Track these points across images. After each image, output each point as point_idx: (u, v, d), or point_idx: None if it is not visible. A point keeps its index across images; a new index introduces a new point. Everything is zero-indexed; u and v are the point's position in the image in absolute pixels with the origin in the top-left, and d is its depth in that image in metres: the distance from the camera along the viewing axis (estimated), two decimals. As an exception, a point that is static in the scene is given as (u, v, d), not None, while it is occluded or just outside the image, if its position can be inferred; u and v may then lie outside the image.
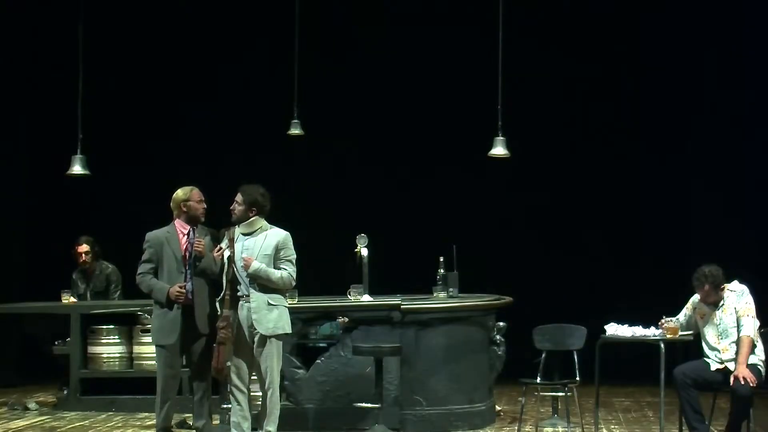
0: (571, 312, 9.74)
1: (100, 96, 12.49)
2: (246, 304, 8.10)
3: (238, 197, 8.17)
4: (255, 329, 8.07)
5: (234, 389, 8.15)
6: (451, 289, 10.05)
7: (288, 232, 8.23)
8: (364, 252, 9.90)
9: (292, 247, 8.21)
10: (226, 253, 8.13)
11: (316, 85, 12.66)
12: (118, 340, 10.88)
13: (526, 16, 12.51)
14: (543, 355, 9.29)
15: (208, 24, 13.71)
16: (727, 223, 12.67)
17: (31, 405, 10.93)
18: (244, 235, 8.14)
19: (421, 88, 13.38)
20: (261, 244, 8.10)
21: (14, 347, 12.99)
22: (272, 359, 8.10)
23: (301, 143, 12.49)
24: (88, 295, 11.43)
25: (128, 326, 10.89)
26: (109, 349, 10.85)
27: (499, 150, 11.25)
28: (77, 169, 11.77)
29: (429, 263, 10.28)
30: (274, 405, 8.14)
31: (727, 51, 12.93)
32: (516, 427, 9.47)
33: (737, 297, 8.28)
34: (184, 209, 8.50)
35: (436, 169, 13.43)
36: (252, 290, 8.09)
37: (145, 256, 8.56)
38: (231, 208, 8.18)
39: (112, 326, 10.87)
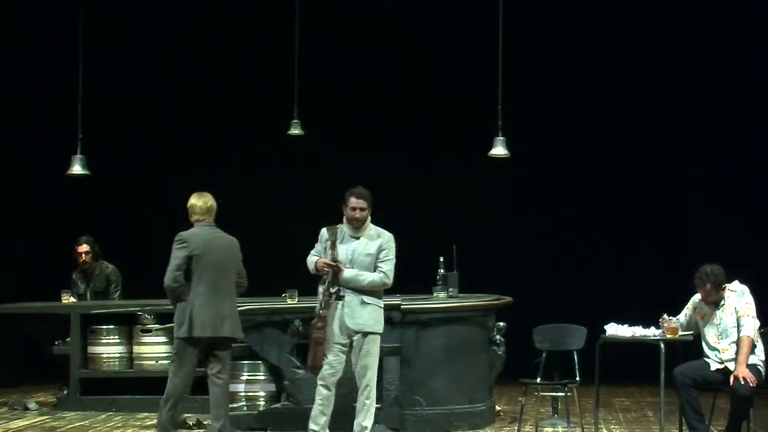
0: (571, 312, 9.74)
1: (100, 96, 12.49)
2: (342, 303, 8.24)
3: (362, 203, 8.29)
4: (349, 327, 8.22)
5: (321, 385, 8.27)
6: (451, 289, 10.04)
7: (391, 234, 8.42)
8: (365, 252, 9.89)
9: (394, 249, 8.40)
10: (328, 256, 8.26)
11: (316, 85, 12.66)
12: (118, 340, 10.87)
13: (527, 16, 12.50)
14: (543, 355, 9.29)
15: (207, 24, 13.71)
16: (727, 223, 12.67)
17: (31, 405, 10.93)
18: (353, 237, 8.32)
19: (421, 88, 13.38)
20: (365, 244, 8.28)
21: (14, 347, 12.98)
22: (370, 357, 8.26)
23: (301, 143, 12.49)
24: (88, 295, 11.43)
25: (128, 326, 10.87)
26: (109, 349, 10.84)
27: (499, 150, 11.25)
28: (77, 169, 11.77)
29: (429, 263, 10.28)
30: (372, 402, 8.29)
31: (727, 48, 12.92)
32: (516, 427, 9.47)
33: (737, 297, 8.28)
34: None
35: (436, 169, 13.43)
36: (347, 290, 8.25)
37: None
38: (355, 215, 8.27)
39: (112, 326, 10.86)
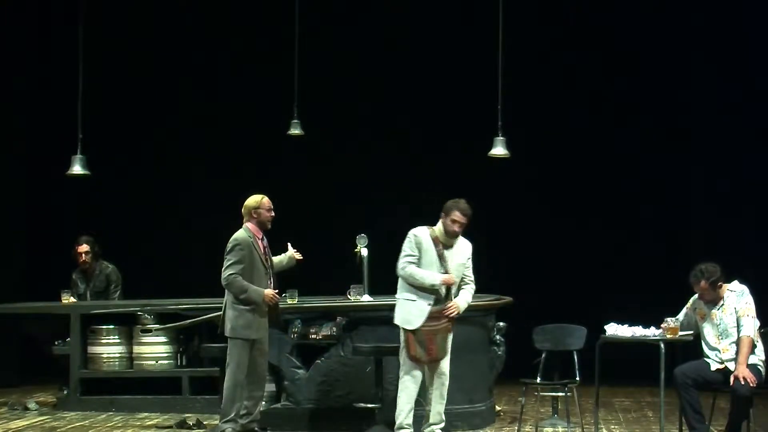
0: (571, 312, 9.74)
1: (100, 96, 12.49)
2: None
3: (464, 219, 8.64)
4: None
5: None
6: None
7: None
8: (364, 252, 9.90)
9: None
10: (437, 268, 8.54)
11: (316, 85, 12.67)
12: (118, 340, 10.87)
13: (527, 16, 12.50)
14: (543, 355, 9.29)
15: (208, 24, 13.71)
16: (727, 222, 12.67)
17: (31, 405, 10.93)
18: (447, 246, 8.61)
19: (421, 88, 13.38)
20: (457, 253, 8.63)
21: (14, 347, 12.99)
22: None
23: (301, 143, 12.49)
24: (88, 295, 11.43)
25: (128, 326, 10.88)
26: (109, 349, 10.85)
27: (499, 150, 11.25)
28: (77, 169, 11.77)
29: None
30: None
31: (728, 48, 12.92)
32: (516, 427, 9.48)
33: (737, 297, 8.27)
34: (255, 216, 8.98)
35: (436, 169, 13.42)
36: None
37: (236, 257, 8.82)
38: (454, 228, 8.57)
39: (112, 326, 10.87)
